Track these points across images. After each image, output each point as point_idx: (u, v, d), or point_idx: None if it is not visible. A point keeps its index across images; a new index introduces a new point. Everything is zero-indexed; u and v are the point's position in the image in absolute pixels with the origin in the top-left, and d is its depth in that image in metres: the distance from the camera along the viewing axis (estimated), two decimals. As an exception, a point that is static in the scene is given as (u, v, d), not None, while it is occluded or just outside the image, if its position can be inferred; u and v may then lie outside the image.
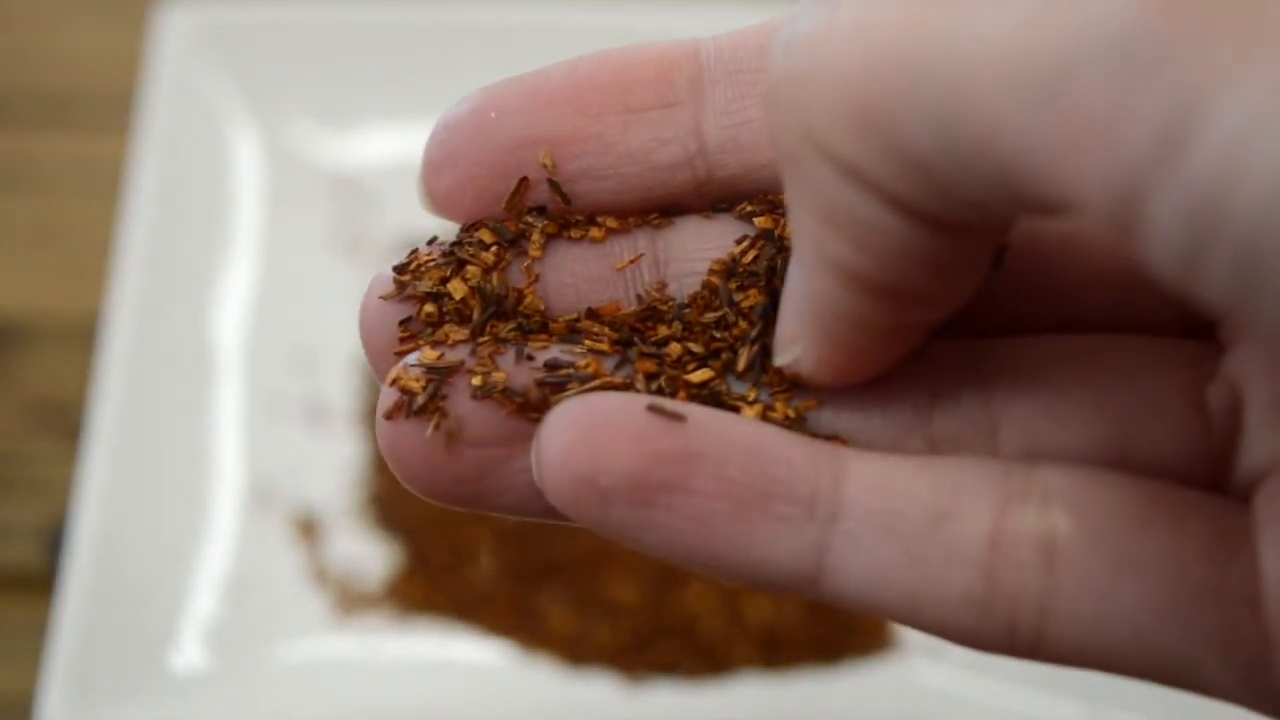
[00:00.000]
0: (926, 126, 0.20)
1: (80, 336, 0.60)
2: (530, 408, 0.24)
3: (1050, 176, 0.19)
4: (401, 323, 0.25)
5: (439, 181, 0.26)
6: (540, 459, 0.24)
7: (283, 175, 0.63)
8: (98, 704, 0.50)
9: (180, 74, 0.62)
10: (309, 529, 0.56)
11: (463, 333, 0.25)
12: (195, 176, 0.62)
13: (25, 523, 0.57)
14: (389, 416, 0.24)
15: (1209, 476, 0.24)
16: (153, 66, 0.62)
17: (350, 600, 0.55)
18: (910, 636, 0.54)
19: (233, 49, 0.63)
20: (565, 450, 0.23)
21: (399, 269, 0.26)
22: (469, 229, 0.26)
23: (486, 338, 0.25)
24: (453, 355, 0.25)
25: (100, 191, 0.63)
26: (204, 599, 0.54)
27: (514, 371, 0.25)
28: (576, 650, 0.54)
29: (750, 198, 0.26)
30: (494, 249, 0.26)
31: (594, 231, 0.26)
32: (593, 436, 0.23)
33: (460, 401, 0.24)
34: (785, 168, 0.22)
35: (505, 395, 0.24)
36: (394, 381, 0.25)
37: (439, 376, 0.24)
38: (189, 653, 0.53)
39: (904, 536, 0.23)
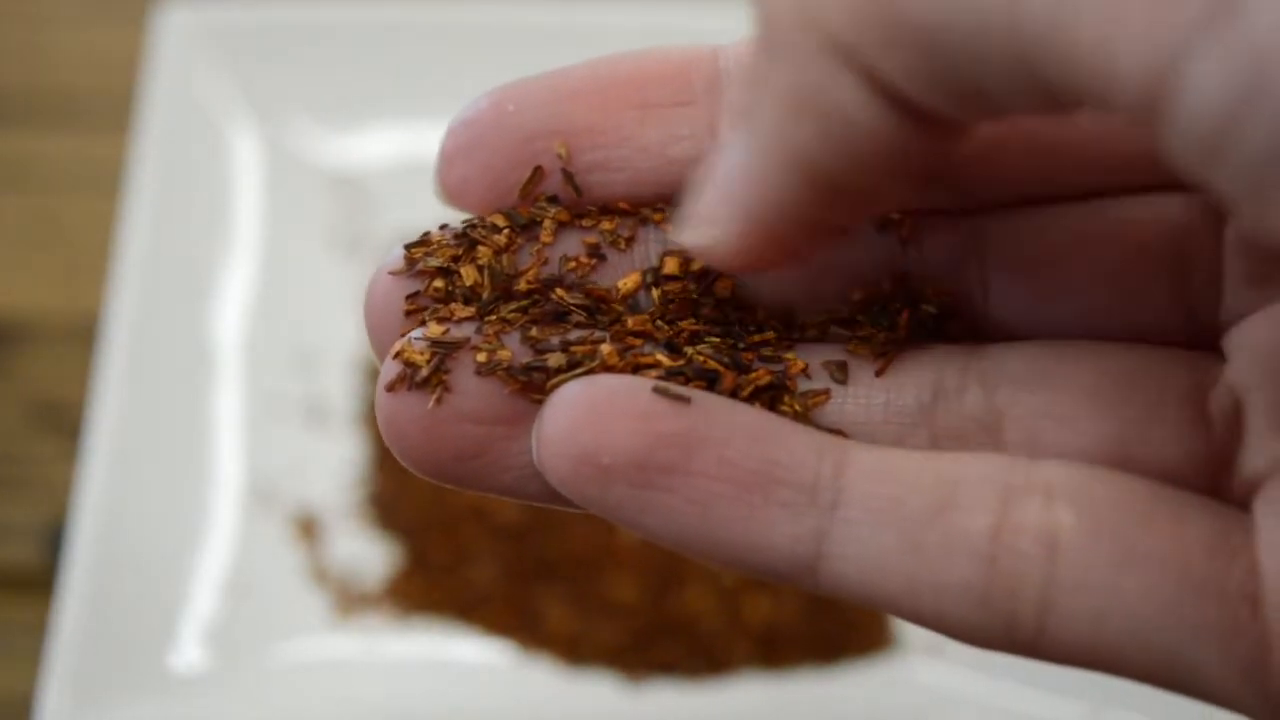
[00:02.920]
0: (946, 3, 0.19)
1: (80, 336, 0.60)
2: (533, 388, 0.24)
3: (1081, 51, 0.18)
4: (409, 297, 0.25)
5: (453, 172, 0.26)
6: (541, 436, 0.24)
7: (283, 175, 0.63)
8: (98, 704, 0.50)
9: (180, 74, 0.62)
10: (309, 529, 0.56)
11: (469, 310, 0.25)
12: (195, 176, 0.62)
13: (25, 523, 0.57)
14: (391, 388, 0.24)
15: (1209, 482, 0.24)
16: (153, 66, 0.62)
17: (350, 600, 0.55)
18: (910, 635, 0.54)
19: (233, 49, 0.63)
20: (568, 427, 0.23)
21: (410, 246, 0.26)
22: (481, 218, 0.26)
23: (493, 317, 0.25)
24: (458, 331, 0.25)
25: (100, 191, 0.63)
26: (204, 599, 0.54)
27: (519, 350, 0.25)
28: (576, 650, 0.54)
29: None
30: (506, 232, 0.26)
31: (605, 223, 0.26)
32: (597, 415, 0.23)
33: (464, 377, 0.24)
34: (767, 49, 0.22)
35: (509, 373, 0.24)
36: (398, 355, 0.25)
37: (444, 351, 0.24)
38: (189, 653, 0.53)
39: (905, 526, 0.23)
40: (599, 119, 0.26)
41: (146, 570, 0.54)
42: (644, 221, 0.26)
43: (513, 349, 0.25)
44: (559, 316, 0.25)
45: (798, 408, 0.25)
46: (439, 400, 0.24)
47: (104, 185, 0.63)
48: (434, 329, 0.25)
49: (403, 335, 0.25)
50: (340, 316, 0.61)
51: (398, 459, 0.25)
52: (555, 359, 0.25)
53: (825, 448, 0.24)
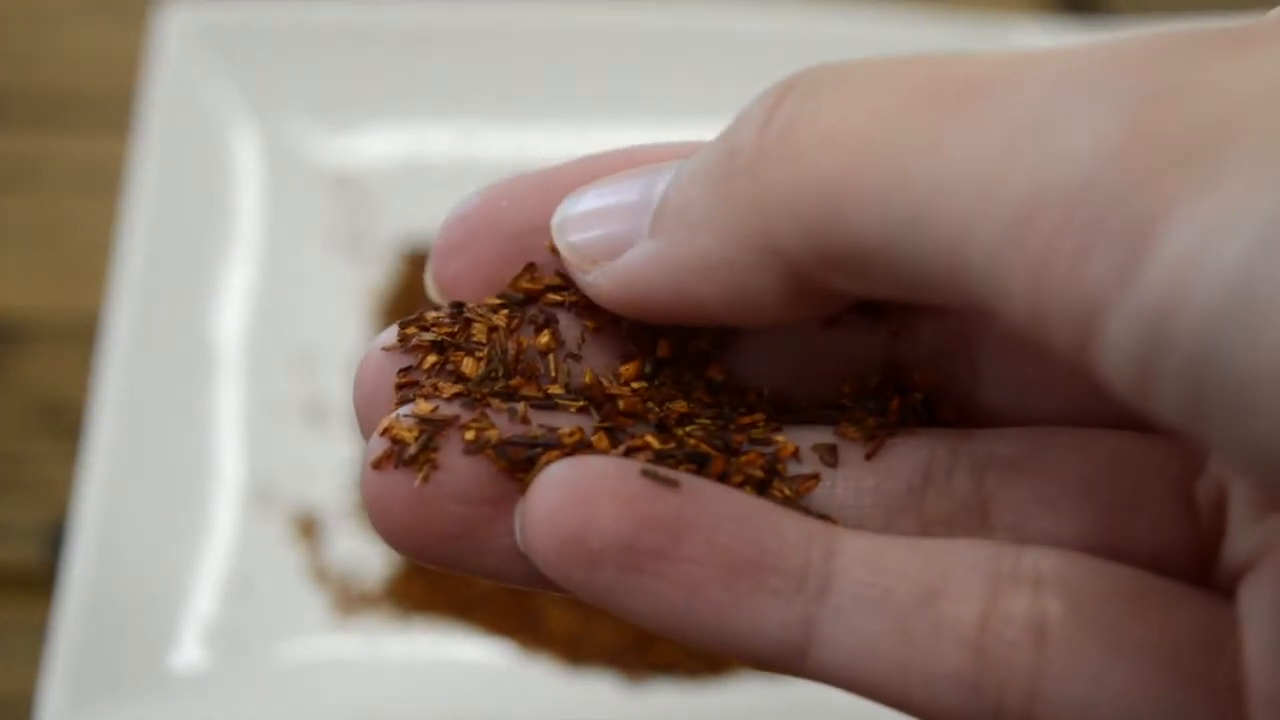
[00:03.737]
0: (884, 230, 0.21)
1: (80, 336, 0.60)
2: (520, 467, 0.24)
3: (1011, 297, 0.19)
4: (401, 370, 0.25)
5: (448, 267, 0.26)
6: (527, 517, 0.24)
7: (283, 175, 0.63)
8: (98, 704, 0.50)
9: (180, 74, 0.62)
10: (309, 529, 0.56)
11: (457, 387, 0.25)
12: (195, 176, 0.62)
13: (25, 523, 0.57)
14: (378, 466, 0.24)
15: (1196, 570, 0.24)
16: (153, 66, 0.62)
17: (350, 600, 0.55)
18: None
19: (233, 49, 0.63)
20: (554, 509, 0.23)
21: (404, 324, 0.26)
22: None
23: (482, 393, 0.25)
24: (447, 409, 0.24)
25: (100, 191, 0.63)
26: (204, 599, 0.54)
27: (507, 429, 0.24)
28: (576, 650, 0.54)
29: None
30: (503, 312, 0.25)
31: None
32: (584, 498, 0.23)
33: (452, 455, 0.24)
34: (705, 209, 0.23)
35: (497, 452, 0.24)
36: (385, 431, 0.24)
37: (432, 428, 0.24)
38: (189, 653, 0.53)
39: (894, 614, 0.23)
40: None
41: (146, 570, 0.54)
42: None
43: (501, 428, 0.24)
44: (549, 399, 0.25)
45: (787, 492, 0.25)
46: (426, 479, 0.24)
47: (104, 185, 0.63)
48: (422, 406, 0.24)
49: (392, 411, 0.25)
50: (340, 316, 0.61)
51: (381, 538, 0.25)
52: (544, 439, 0.24)
53: (814, 534, 0.24)
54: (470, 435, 0.24)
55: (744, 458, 0.25)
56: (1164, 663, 0.23)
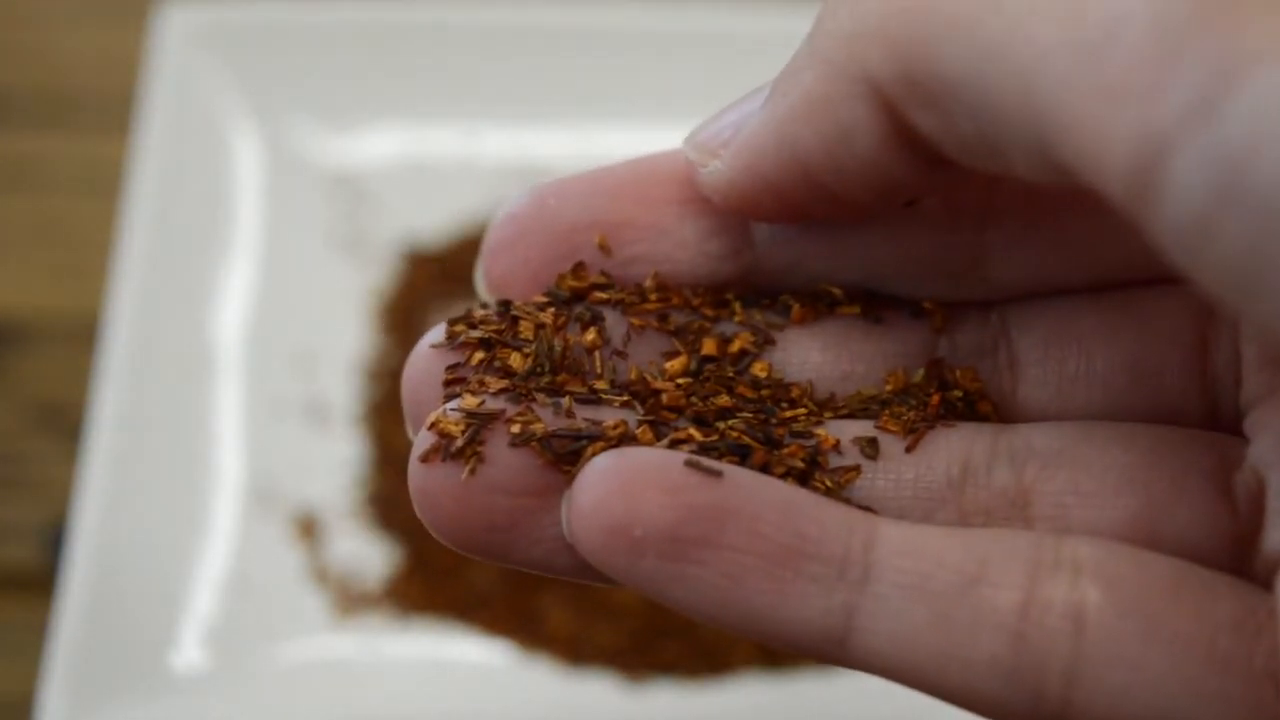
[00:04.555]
0: (967, 58, 0.21)
1: (80, 336, 0.60)
2: (565, 460, 0.25)
3: (1079, 127, 0.19)
4: (449, 367, 0.26)
5: (497, 265, 0.26)
6: (573, 507, 0.24)
7: (283, 175, 0.63)
8: (98, 704, 0.50)
9: (180, 74, 0.62)
10: (309, 529, 0.56)
11: (503, 382, 0.25)
12: (195, 176, 0.62)
13: (25, 523, 0.57)
14: (425, 459, 0.24)
15: (1234, 560, 0.25)
16: (153, 66, 0.62)
17: (350, 600, 0.55)
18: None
19: (233, 49, 0.63)
20: (600, 499, 0.24)
21: (452, 321, 0.26)
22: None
23: (528, 388, 0.25)
24: (493, 403, 0.25)
25: (100, 191, 0.63)
26: (204, 599, 0.54)
27: (552, 422, 0.25)
28: (576, 650, 0.54)
29: (792, 290, 0.27)
30: (549, 310, 0.26)
31: (645, 304, 0.26)
32: (629, 488, 0.24)
33: (498, 448, 0.24)
34: (811, 48, 0.24)
35: (542, 445, 0.25)
36: (433, 425, 0.25)
37: (479, 422, 0.25)
38: (189, 653, 0.53)
39: (934, 600, 0.24)
40: (640, 214, 0.26)
41: (146, 570, 0.54)
42: (684, 305, 0.27)
43: (546, 421, 0.25)
44: (594, 394, 0.26)
45: (828, 483, 0.25)
46: (473, 471, 0.24)
47: (104, 185, 0.63)
48: (469, 400, 0.25)
49: (439, 407, 0.25)
50: (340, 316, 0.61)
51: (429, 530, 0.25)
52: (588, 431, 0.25)
53: (855, 523, 0.24)
54: (516, 428, 0.25)
55: (785, 450, 0.26)
56: (1199, 649, 0.23)
